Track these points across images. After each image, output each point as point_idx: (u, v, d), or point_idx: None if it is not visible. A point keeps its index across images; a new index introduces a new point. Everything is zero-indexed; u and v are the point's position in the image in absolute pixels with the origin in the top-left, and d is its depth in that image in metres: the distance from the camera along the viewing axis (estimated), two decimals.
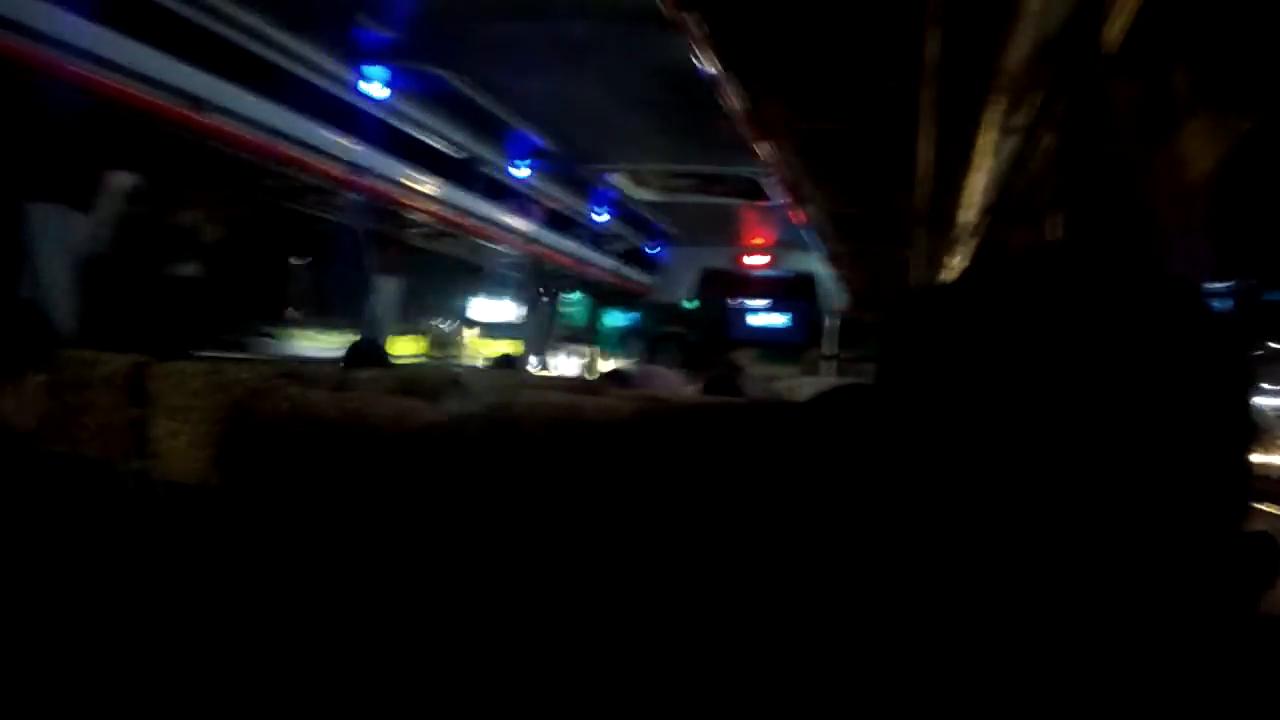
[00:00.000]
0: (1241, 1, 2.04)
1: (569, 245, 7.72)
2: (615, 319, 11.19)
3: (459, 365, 6.86)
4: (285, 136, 4.26)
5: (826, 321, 10.23)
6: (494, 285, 8.87)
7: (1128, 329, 0.42)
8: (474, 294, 9.42)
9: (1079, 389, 0.41)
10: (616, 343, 11.37)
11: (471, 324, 9.87)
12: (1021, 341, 0.43)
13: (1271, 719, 0.44)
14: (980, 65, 2.83)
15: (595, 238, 8.33)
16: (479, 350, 9.29)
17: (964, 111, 3.29)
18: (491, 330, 9.67)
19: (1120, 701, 0.41)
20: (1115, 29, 2.59)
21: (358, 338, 5.14)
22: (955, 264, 7.50)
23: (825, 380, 9.96)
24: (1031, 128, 3.78)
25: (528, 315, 8.90)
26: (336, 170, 4.63)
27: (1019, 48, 2.76)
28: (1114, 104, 2.60)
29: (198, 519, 1.00)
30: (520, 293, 8.85)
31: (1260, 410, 0.48)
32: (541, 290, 8.75)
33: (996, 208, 5.40)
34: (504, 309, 9.52)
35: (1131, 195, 2.60)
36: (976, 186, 4.75)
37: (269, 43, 4.07)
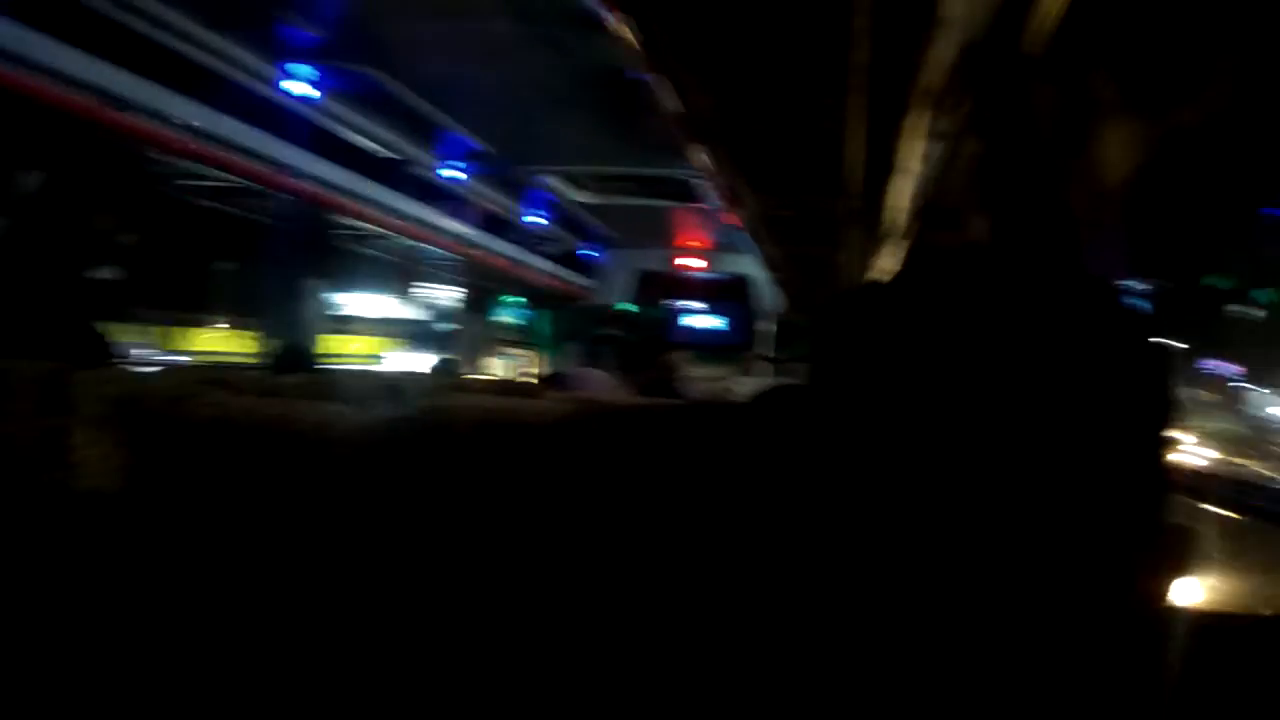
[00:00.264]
0: (1160, 7, 2.11)
1: (504, 248, 7.66)
2: (552, 321, 11.13)
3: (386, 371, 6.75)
4: (207, 136, 4.14)
5: (763, 323, 10.35)
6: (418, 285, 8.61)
7: (1049, 330, 0.44)
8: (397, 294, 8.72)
9: (1002, 387, 0.42)
10: (554, 345, 11.33)
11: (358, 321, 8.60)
12: (946, 342, 0.44)
13: (1181, 704, 0.46)
14: (906, 73, 2.89)
15: (531, 240, 8.28)
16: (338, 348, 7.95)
17: (891, 117, 3.36)
18: (377, 327, 8.63)
19: (1035, 685, 0.42)
20: (1036, 35, 2.67)
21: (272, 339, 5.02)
22: (886, 265, 7.64)
23: (761, 381, 10.06)
24: (956, 133, 3.87)
25: (461, 318, 8.80)
26: (261, 170, 4.52)
27: (942, 55, 2.82)
28: (1035, 109, 2.68)
29: (118, 528, 0.97)
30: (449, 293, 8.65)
31: (1180, 405, 0.50)
32: (475, 293, 8.67)
33: (925, 210, 5.52)
34: (385, 305, 8.46)
35: (1052, 199, 2.68)
36: (905, 190, 4.85)
37: (192, 40, 3.96)
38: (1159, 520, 0.46)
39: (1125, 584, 0.44)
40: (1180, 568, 0.48)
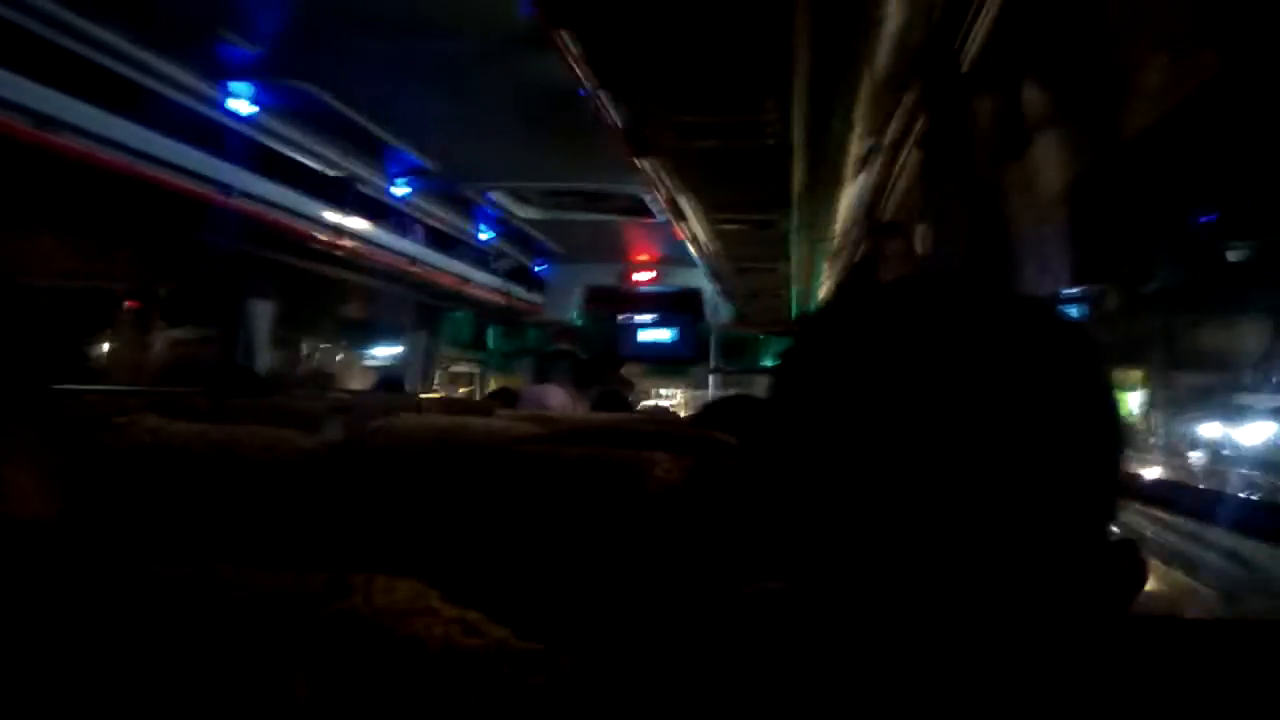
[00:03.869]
0: (1093, 20, 2.18)
1: (452, 265, 7.60)
2: (502, 337, 11.08)
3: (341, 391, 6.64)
4: (146, 156, 4.05)
5: (712, 335, 10.40)
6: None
7: (990, 355, 0.44)
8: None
9: (949, 408, 0.43)
10: (504, 361, 11.27)
11: None
12: (897, 367, 0.44)
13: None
14: (847, 84, 2.94)
15: (480, 257, 8.23)
16: None
17: (834, 128, 3.41)
18: None
19: (990, 707, 0.42)
20: (972, 49, 2.73)
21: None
22: (832, 277, 7.74)
23: (712, 393, 10.08)
24: (897, 144, 3.94)
25: (409, 337, 8.73)
26: (202, 190, 4.43)
27: (881, 67, 2.88)
28: (971, 121, 2.74)
29: (47, 559, 0.93)
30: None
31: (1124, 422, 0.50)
32: (422, 310, 8.59)
33: (869, 220, 5.61)
34: None
35: (991, 207, 2.74)
36: (849, 201, 4.93)
37: (126, 59, 3.87)
38: (1103, 536, 0.47)
39: (1073, 604, 0.45)
40: (1130, 585, 0.49)
